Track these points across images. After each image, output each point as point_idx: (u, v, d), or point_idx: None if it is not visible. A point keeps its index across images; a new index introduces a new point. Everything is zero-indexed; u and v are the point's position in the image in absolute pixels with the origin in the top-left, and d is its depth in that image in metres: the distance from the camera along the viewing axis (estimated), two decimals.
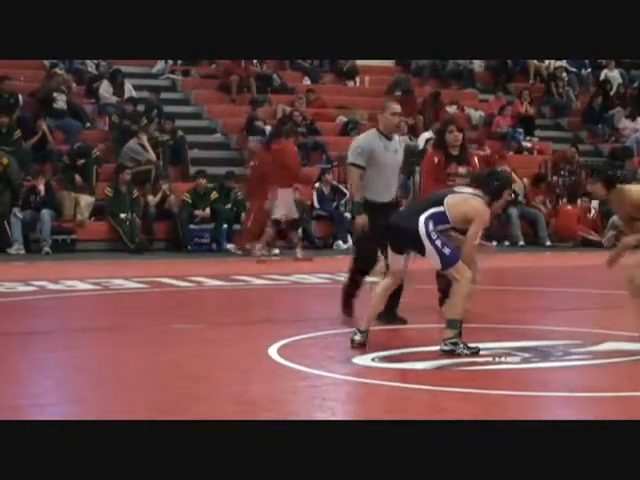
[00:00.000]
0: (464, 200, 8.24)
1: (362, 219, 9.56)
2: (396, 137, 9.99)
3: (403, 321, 9.79)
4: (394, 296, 9.26)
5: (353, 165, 9.70)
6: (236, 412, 6.09)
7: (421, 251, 8.12)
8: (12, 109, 19.29)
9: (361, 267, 9.94)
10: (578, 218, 21.11)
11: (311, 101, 23.15)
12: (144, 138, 19.14)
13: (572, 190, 22.19)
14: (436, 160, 10.26)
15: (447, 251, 8.05)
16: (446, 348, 8.08)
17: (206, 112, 22.40)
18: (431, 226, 8.02)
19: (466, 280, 8.13)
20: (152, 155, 19.12)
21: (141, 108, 21.30)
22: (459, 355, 7.98)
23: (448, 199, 8.19)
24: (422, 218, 8.03)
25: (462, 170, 10.15)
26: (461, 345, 8.07)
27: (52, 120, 19.39)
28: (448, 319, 8.16)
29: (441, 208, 8.13)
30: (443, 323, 8.29)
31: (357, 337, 8.38)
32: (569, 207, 21.47)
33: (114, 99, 20.81)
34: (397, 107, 9.81)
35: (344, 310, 10.07)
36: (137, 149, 19.08)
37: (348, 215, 19.49)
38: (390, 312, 9.56)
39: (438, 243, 8.01)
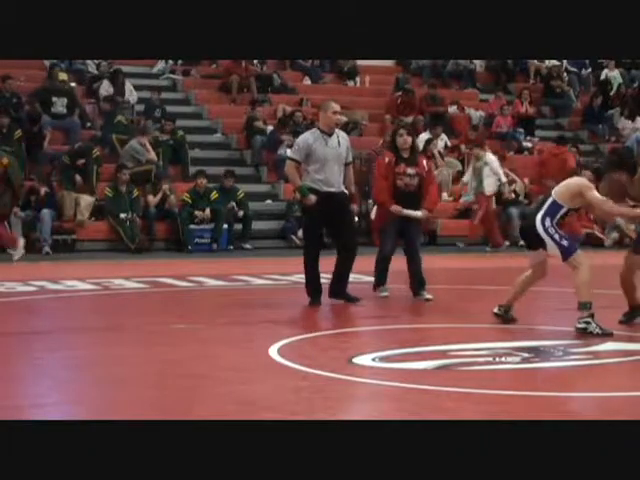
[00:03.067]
0: (565, 182, 9.25)
1: (309, 200, 10.70)
2: (337, 133, 10.89)
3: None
4: None
5: (289, 159, 11.31)
6: (236, 412, 6.09)
7: (544, 246, 9.18)
8: (14, 109, 19.29)
9: (311, 252, 11.00)
10: (579, 215, 21.09)
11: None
12: (145, 138, 19.15)
13: None
14: (387, 160, 11.31)
15: (565, 243, 9.15)
16: (580, 326, 8.92)
17: (206, 112, 22.40)
18: (547, 222, 9.02)
19: (585, 267, 9.22)
20: (153, 155, 19.14)
21: (141, 108, 21.36)
22: (591, 334, 8.80)
23: (554, 189, 9.17)
24: (538, 217, 9.03)
25: (410, 171, 11.16)
26: (593, 324, 8.88)
27: (51, 121, 19.41)
28: (579, 302, 9.03)
29: (551, 199, 9.05)
30: (444, 323, 8.29)
31: (496, 310, 9.58)
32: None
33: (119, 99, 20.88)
34: (337, 106, 10.97)
35: (312, 300, 10.94)
36: (138, 149, 19.09)
37: None
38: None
39: (556, 237, 9.07)
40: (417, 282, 11.30)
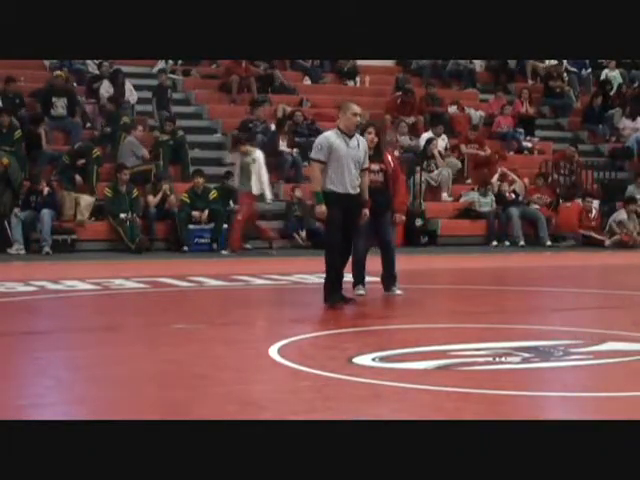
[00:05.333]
0: None
1: (321, 208, 10.59)
2: (356, 136, 10.88)
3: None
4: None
5: (313, 160, 10.84)
6: (236, 412, 6.09)
7: None
8: (16, 109, 19.31)
9: (334, 253, 10.74)
10: (579, 214, 21.13)
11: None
12: (137, 133, 19.20)
13: (573, 189, 22.22)
14: None
15: None
16: None
17: (207, 112, 22.40)
18: None
19: None
20: (145, 152, 19.17)
21: (141, 108, 21.37)
22: None
23: None
24: None
25: (375, 167, 11.34)
26: None
27: (51, 122, 19.42)
28: None
29: None
30: (444, 323, 8.30)
31: None
32: (569, 204, 21.50)
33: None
34: (357, 108, 10.96)
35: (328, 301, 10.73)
36: (136, 143, 19.10)
37: None
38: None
39: None
40: (388, 277, 11.52)
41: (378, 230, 11.53)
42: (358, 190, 10.74)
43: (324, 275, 10.91)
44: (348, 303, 10.80)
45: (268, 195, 18.00)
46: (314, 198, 10.98)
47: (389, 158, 11.83)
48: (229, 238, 18.01)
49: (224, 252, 17.71)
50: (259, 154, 18.01)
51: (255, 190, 17.75)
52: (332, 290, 10.74)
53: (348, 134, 10.75)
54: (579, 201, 21.48)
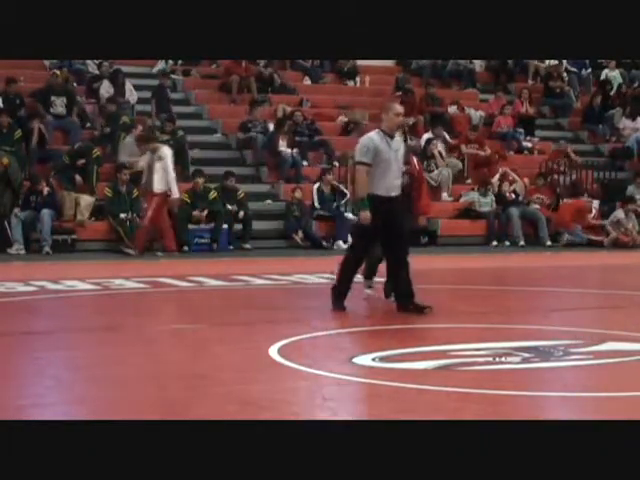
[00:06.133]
0: None
1: (366, 214, 10.14)
2: (397, 136, 10.55)
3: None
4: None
5: (360, 163, 10.31)
6: (236, 412, 6.09)
7: None
8: (16, 110, 19.30)
9: (356, 256, 10.56)
10: (580, 210, 21.17)
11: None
12: (135, 134, 19.19)
13: (573, 189, 22.23)
14: None
15: None
16: None
17: (206, 112, 22.40)
18: None
19: None
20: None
21: (141, 108, 21.36)
22: None
23: None
24: None
25: (402, 168, 10.87)
26: None
27: (52, 121, 19.42)
28: None
29: None
30: (444, 323, 8.30)
31: None
32: (570, 201, 21.55)
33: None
34: (400, 108, 10.56)
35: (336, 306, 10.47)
36: (133, 147, 19.09)
37: (349, 215, 19.57)
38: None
39: None
40: (368, 271, 11.40)
41: None
42: (399, 192, 10.45)
43: (334, 278, 10.72)
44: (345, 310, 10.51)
45: (175, 192, 17.31)
46: (357, 204, 10.68)
47: (415, 161, 11.63)
48: (136, 238, 17.40)
49: (130, 251, 17.10)
50: (166, 151, 17.38)
51: (157, 188, 17.07)
52: (339, 294, 10.49)
53: (391, 135, 10.42)
54: (582, 198, 21.51)
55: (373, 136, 10.41)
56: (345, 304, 10.36)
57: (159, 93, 21.52)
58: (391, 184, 10.30)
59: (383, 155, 10.23)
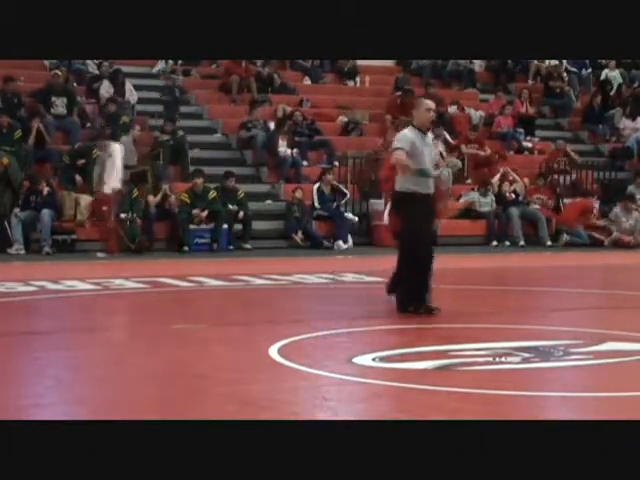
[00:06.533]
0: None
1: (444, 177, 9.92)
2: (430, 134, 10.46)
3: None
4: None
5: (398, 148, 10.06)
6: (236, 412, 6.09)
7: None
8: (15, 109, 19.30)
9: (421, 257, 10.12)
10: (584, 209, 21.19)
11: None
12: (135, 133, 19.19)
13: (573, 189, 22.23)
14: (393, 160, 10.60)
15: None
16: None
17: (207, 112, 22.40)
18: None
19: None
20: (135, 156, 19.13)
21: (141, 108, 21.37)
22: None
23: None
24: None
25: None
26: None
27: (52, 121, 19.41)
28: None
29: None
30: (444, 323, 8.30)
31: None
32: (577, 200, 21.57)
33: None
34: (431, 103, 10.50)
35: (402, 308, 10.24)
36: (129, 146, 19.04)
37: (349, 215, 19.58)
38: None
39: None
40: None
41: None
42: (433, 188, 10.29)
43: (399, 279, 10.35)
44: (433, 313, 10.15)
45: (118, 185, 17.12)
46: (421, 175, 10.14)
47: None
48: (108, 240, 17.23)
49: (99, 254, 16.90)
50: (116, 148, 17.19)
51: (110, 186, 16.95)
52: (409, 299, 10.17)
53: (423, 131, 10.31)
54: (589, 198, 21.54)
55: (407, 132, 10.26)
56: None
57: (167, 94, 21.46)
58: (424, 181, 10.13)
59: (418, 151, 10.08)
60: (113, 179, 16.94)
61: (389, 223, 10.85)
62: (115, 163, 16.93)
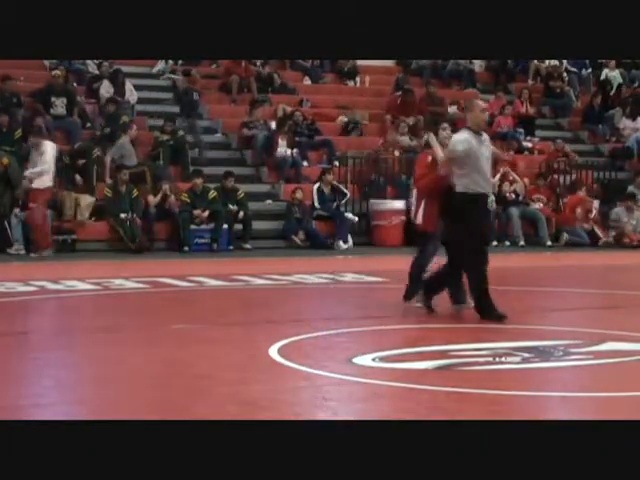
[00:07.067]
0: None
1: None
2: (485, 135, 10.38)
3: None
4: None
5: (455, 152, 10.00)
6: (236, 412, 6.09)
7: None
8: (14, 109, 19.29)
9: (482, 262, 10.07)
10: (579, 204, 21.21)
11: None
12: (129, 137, 19.17)
13: (572, 189, 22.24)
14: (429, 159, 10.56)
15: None
16: None
17: (207, 112, 22.38)
18: None
19: None
20: (134, 156, 19.10)
21: (141, 108, 21.37)
22: None
23: None
24: None
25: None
26: None
27: (52, 121, 19.41)
28: None
29: None
30: (444, 323, 8.30)
31: None
32: (575, 196, 21.59)
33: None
34: (484, 104, 10.48)
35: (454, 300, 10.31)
36: (127, 146, 19.01)
37: (349, 215, 19.58)
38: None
39: None
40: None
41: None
42: (492, 188, 10.22)
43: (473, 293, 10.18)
44: (504, 319, 9.94)
45: (49, 183, 16.77)
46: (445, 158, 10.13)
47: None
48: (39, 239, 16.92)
49: (32, 254, 16.62)
50: (48, 146, 16.86)
51: (41, 184, 16.62)
52: (488, 304, 10.00)
53: (478, 132, 10.19)
54: (581, 194, 21.53)
55: (463, 134, 10.16)
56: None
57: (184, 96, 21.39)
58: (487, 180, 10.13)
59: (477, 152, 10.04)
60: (44, 177, 16.65)
61: (423, 220, 10.56)
62: (46, 161, 16.63)
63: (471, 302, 10.21)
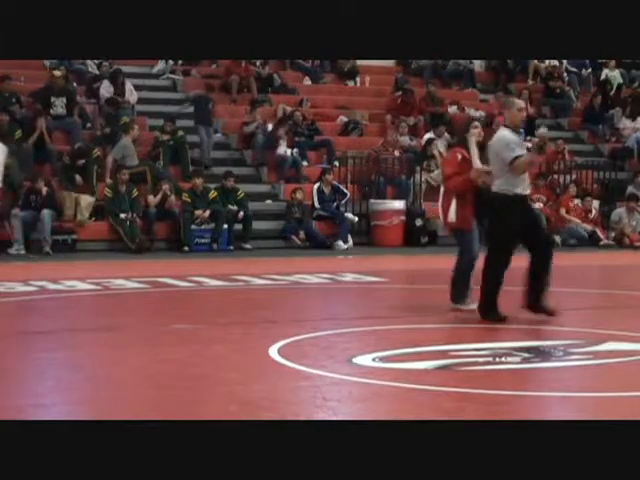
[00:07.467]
0: None
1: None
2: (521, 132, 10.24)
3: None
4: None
5: (517, 157, 9.75)
6: (236, 412, 6.09)
7: None
8: (13, 109, 19.29)
9: (503, 263, 10.21)
10: (564, 205, 21.27)
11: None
12: (130, 137, 19.16)
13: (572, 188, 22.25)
14: (460, 157, 10.50)
15: None
16: None
17: None
18: None
19: None
20: (135, 158, 19.08)
21: (141, 108, 21.36)
22: None
23: None
24: None
25: (487, 166, 10.24)
26: None
27: (52, 121, 19.40)
28: None
29: None
30: (444, 323, 8.30)
31: None
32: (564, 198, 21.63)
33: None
34: (522, 102, 10.36)
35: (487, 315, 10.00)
36: (129, 146, 19.01)
37: (349, 215, 19.58)
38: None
39: None
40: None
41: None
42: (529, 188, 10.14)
43: (482, 287, 10.22)
44: (550, 314, 10.01)
45: None
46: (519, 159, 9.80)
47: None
48: None
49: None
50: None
51: None
52: (491, 306, 9.98)
53: (516, 130, 10.04)
54: (571, 191, 21.55)
55: (504, 133, 9.93)
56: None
57: (199, 102, 21.34)
58: (525, 181, 9.97)
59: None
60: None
61: (457, 219, 10.56)
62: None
63: (471, 303, 10.20)
